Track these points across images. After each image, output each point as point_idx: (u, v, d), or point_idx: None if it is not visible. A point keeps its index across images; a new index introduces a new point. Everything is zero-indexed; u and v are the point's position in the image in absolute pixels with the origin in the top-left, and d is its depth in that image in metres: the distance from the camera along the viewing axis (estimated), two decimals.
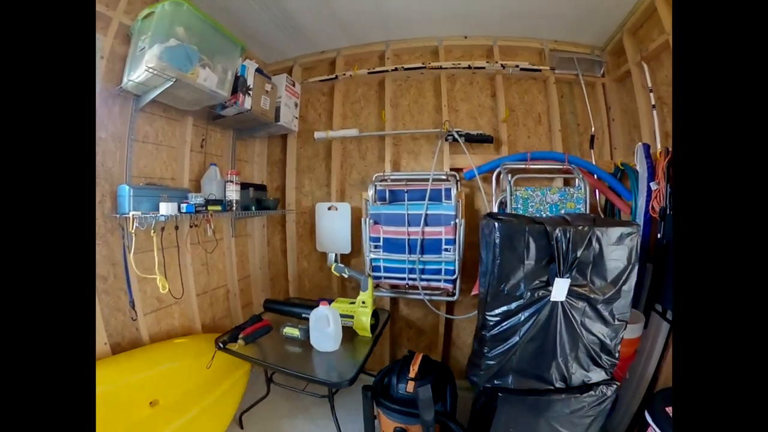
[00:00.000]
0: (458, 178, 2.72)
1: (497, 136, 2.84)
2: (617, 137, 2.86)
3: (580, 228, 1.65)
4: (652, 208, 2.26)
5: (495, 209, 2.66)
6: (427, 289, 2.74)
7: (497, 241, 1.67)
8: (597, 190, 2.71)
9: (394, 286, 2.88)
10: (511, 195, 2.54)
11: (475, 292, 2.63)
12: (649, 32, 2.45)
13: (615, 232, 1.68)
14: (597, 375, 1.85)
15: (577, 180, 2.56)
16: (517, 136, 2.92)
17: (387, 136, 2.98)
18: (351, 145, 3.17)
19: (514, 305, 1.70)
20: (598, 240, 1.66)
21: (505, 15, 2.67)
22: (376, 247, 2.74)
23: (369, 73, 2.96)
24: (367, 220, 2.75)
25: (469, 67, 2.84)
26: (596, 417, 1.84)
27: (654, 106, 2.39)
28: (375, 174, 2.88)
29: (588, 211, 2.52)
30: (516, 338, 1.74)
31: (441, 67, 2.87)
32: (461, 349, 3.05)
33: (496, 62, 2.82)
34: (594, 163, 2.73)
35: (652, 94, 2.40)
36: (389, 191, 2.77)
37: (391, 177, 2.86)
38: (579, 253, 1.67)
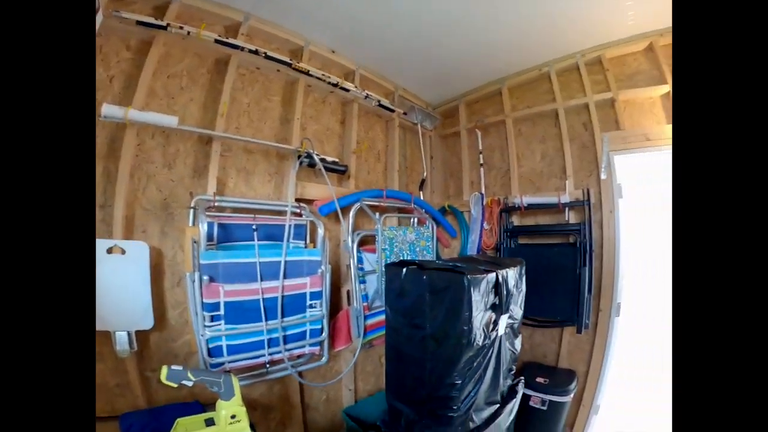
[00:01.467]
0: (313, 213, 2.30)
1: (348, 167, 2.67)
2: (436, 183, 3.42)
3: (508, 269, 1.92)
4: (485, 242, 2.97)
5: (353, 249, 2.45)
6: (290, 360, 2.12)
7: (470, 296, 1.62)
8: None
9: (246, 369, 2.00)
10: (381, 234, 2.47)
11: (342, 346, 2.38)
12: (484, 108, 3.19)
13: (515, 266, 2.05)
14: (510, 379, 2.17)
15: (428, 221, 2.83)
16: (359, 170, 2.84)
17: (217, 139, 2.07)
18: (153, 141, 1.96)
19: (472, 354, 1.71)
20: (513, 275, 1.97)
21: (374, 48, 2.64)
22: (214, 318, 1.81)
23: (216, 41, 2.03)
24: (198, 274, 1.77)
25: (336, 85, 2.52)
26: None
27: (482, 165, 3.08)
28: (196, 197, 1.94)
29: (433, 247, 2.84)
30: (478, 384, 1.78)
31: (308, 73, 2.41)
32: (317, 409, 2.55)
33: (362, 90, 2.69)
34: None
35: (481, 155, 3.08)
36: (219, 225, 1.91)
37: (228, 203, 2.03)
38: (513, 290, 1.95)
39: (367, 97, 2.73)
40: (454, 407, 1.68)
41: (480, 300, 1.68)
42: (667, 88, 2.56)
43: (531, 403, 2.53)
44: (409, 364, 1.84)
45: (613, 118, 2.71)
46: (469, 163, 3.18)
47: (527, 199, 2.81)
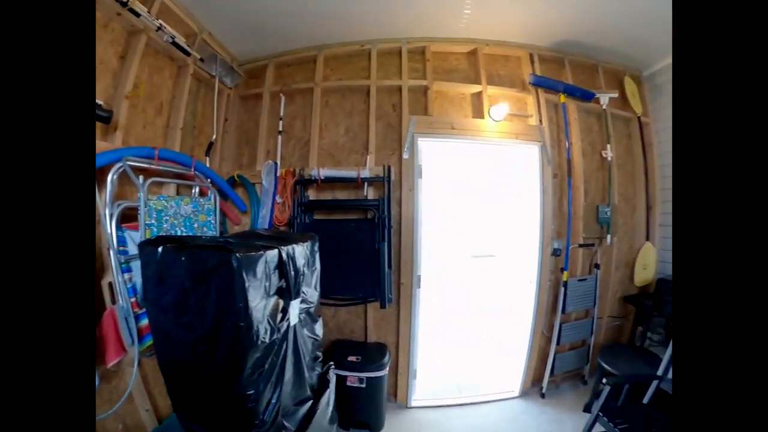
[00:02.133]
0: None
1: (115, 115, 2.05)
2: (228, 149, 2.93)
3: (295, 245, 1.69)
4: (276, 217, 2.70)
5: (112, 226, 1.80)
6: None
7: (243, 281, 1.31)
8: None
9: None
10: (145, 206, 1.95)
11: (115, 359, 1.76)
12: (295, 74, 2.88)
13: (304, 242, 1.85)
14: (318, 368, 2.00)
15: (210, 191, 2.38)
16: (133, 122, 2.22)
17: None
18: None
19: (260, 354, 1.43)
20: (303, 252, 1.78)
21: None
22: None
23: None
24: None
25: (125, 4, 1.82)
26: None
27: (281, 132, 2.79)
28: None
29: (216, 223, 2.41)
30: (278, 387, 1.53)
31: None
32: None
33: (156, 19, 2.05)
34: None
35: (281, 122, 2.77)
36: None
37: None
38: (303, 269, 1.75)
39: (160, 29, 2.13)
40: (257, 422, 1.41)
41: (259, 285, 1.39)
42: (479, 88, 2.89)
43: (348, 383, 2.46)
44: (188, 376, 1.46)
45: (423, 104, 2.83)
46: (267, 129, 2.86)
47: (325, 172, 2.67)
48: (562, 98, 3.03)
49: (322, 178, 2.65)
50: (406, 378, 2.83)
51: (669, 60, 3.46)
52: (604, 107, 3.25)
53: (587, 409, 2.81)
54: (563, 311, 2.98)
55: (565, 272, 2.98)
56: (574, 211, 3.07)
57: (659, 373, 2.26)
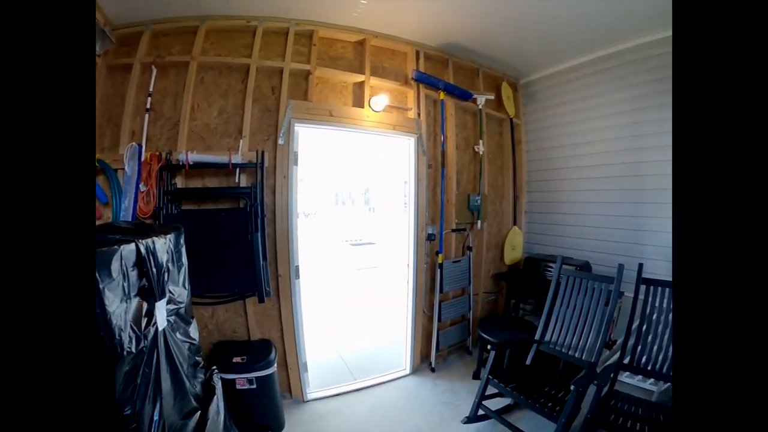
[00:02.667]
0: None
1: None
2: None
3: (156, 238, 1.58)
4: (140, 208, 2.42)
5: None
6: None
7: (98, 284, 1.17)
8: None
9: None
10: None
11: None
12: (172, 45, 2.64)
13: (167, 234, 1.72)
14: (201, 375, 1.83)
15: None
16: None
17: None
18: None
19: (129, 367, 1.28)
20: (166, 246, 1.65)
21: None
22: None
23: None
24: None
25: None
26: None
27: (149, 110, 2.52)
28: None
29: None
30: (158, 401, 1.40)
31: None
32: None
33: None
34: None
35: (150, 98, 2.51)
36: None
37: None
38: (167, 265, 1.63)
39: None
40: None
41: (116, 286, 1.25)
42: (363, 78, 2.95)
43: (238, 387, 2.32)
44: None
45: (304, 90, 2.79)
46: (134, 106, 2.54)
47: (194, 157, 2.47)
48: (442, 95, 3.26)
49: (191, 163, 2.45)
50: (297, 372, 2.80)
51: (543, 72, 3.94)
52: (480, 107, 3.57)
53: (476, 376, 3.11)
54: (441, 291, 3.25)
55: (440, 255, 3.24)
56: (447, 199, 3.34)
57: (537, 337, 2.65)
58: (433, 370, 3.28)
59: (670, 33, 2.80)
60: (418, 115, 3.20)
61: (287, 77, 2.72)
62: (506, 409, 2.62)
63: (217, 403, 1.87)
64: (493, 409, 2.45)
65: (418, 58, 3.26)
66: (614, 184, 3.37)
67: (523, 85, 4.19)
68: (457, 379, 3.14)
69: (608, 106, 3.40)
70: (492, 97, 3.64)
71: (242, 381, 2.32)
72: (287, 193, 2.66)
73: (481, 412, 2.45)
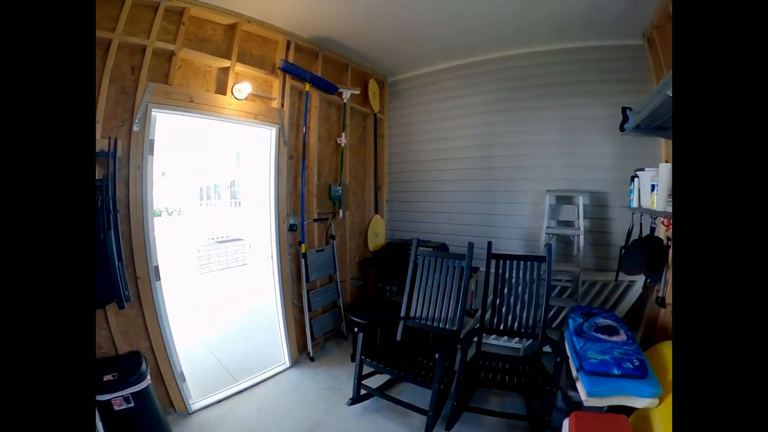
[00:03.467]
0: None
1: None
2: None
3: None
4: None
5: None
6: None
7: None
8: None
9: None
10: None
11: None
12: None
13: None
14: None
15: None
16: None
17: None
18: None
19: None
20: None
21: None
22: None
23: None
24: None
25: None
26: None
27: None
28: None
29: None
30: None
31: None
32: None
33: None
34: None
35: None
36: None
37: None
38: None
39: None
40: None
41: None
42: (228, 63, 2.88)
43: (116, 408, 2.10)
44: None
45: (166, 72, 2.60)
46: None
47: None
48: (307, 87, 3.38)
49: None
50: (175, 384, 2.62)
51: (411, 73, 4.40)
52: (345, 100, 3.82)
53: (354, 359, 3.23)
54: (308, 280, 3.40)
55: (302, 245, 3.40)
56: (309, 189, 3.51)
57: (402, 314, 2.99)
58: (312, 359, 3.44)
59: (531, 49, 3.54)
60: (282, 105, 3.27)
61: (149, 57, 2.48)
62: (388, 384, 2.94)
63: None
64: (375, 386, 2.75)
65: (288, 48, 3.30)
66: (468, 174, 4.02)
67: (390, 83, 4.59)
68: (337, 365, 3.35)
69: (464, 107, 4.02)
70: (357, 92, 3.91)
71: (118, 401, 2.12)
72: (141, 185, 2.45)
73: (363, 391, 2.70)
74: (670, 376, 1.94)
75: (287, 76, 3.30)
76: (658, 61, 2.93)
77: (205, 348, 3.91)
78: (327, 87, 3.57)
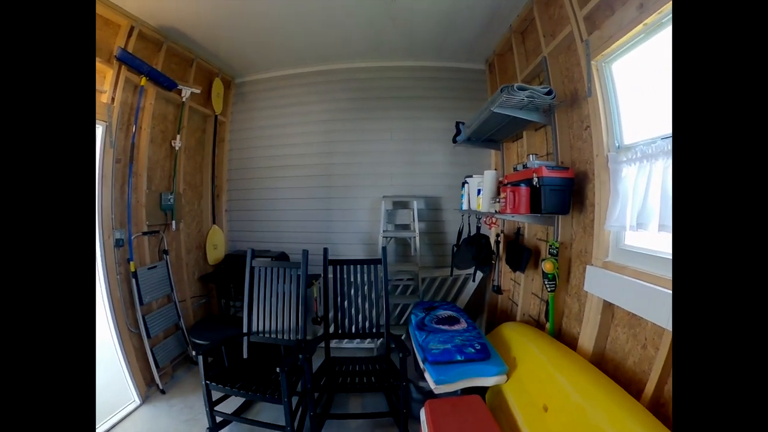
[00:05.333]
0: None
1: None
2: None
3: None
4: None
5: None
6: None
7: None
8: None
9: None
10: None
11: None
12: None
13: None
14: None
15: None
16: None
17: None
18: None
19: None
20: None
21: None
22: None
23: None
24: None
25: None
26: None
27: None
28: None
29: None
30: None
31: None
32: None
33: None
34: None
35: None
36: None
37: None
38: None
39: None
40: None
41: None
42: None
43: None
44: None
45: None
46: None
47: None
48: (143, 81, 2.98)
49: None
50: None
51: (259, 75, 4.28)
52: (184, 99, 3.47)
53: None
54: (141, 303, 2.97)
55: (131, 262, 2.95)
56: (137, 198, 3.09)
57: (244, 330, 2.81)
58: (163, 392, 3.01)
59: (381, 63, 3.92)
60: (113, 99, 2.78)
61: None
62: (246, 405, 2.80)
63: None
64: (232, 410, 2.59)
65: (130, 35, 2.86)
66: (308, 182, 4.13)
67: (237, 84, 4.36)
68: (191, 393, 3.02)
69: (309, 114, 4.13)
70: (199, 91, 3.60)
71: None
72: None
73: (219, 418, 2.49)
74: (513, 353, 2.32)
75: (123, 66, 2.82)
76: (495, 83, 3.66)
77: None
78: (166, 83, 3.22)
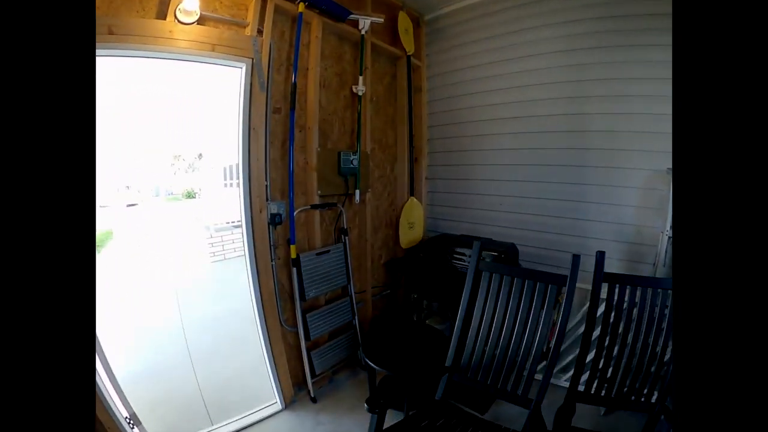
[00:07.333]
0: None
1: None
2: None
3: None
4: None
5: None
6: None
7: None
8: None
9: None
10: None
11: None
12: None
13: None
14: None
15: None
16: None
17: None
18: None
19: None
20: None
21: None
22: None
23: None
24: None
25: None
26: None
27: None
28: None
29: None
30: None
31: None
32: None
33: None
34: None
35: None
36: None
37: None
38: None
39: None
40: None
41: None
42: None
43: None
44: None
45: None
46: None
47: None
48: (302, 7, 2.29)
49: None
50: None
51: (455, 5, 3.15)
52: (362, 32, 2.66)
53: (371, 403, 1.73)
54: (303, 298, 2.37)
55: (292, 246, 2.32)
56: (305, 159, 2.43)
57: (448, 363, 1.76)
58: (314, 400, 2.45)
59: None
60: (259, 32, 2.15)
61: None
62: None
63: None
64: None
65: None
66: (547, 141, 2.77)
67: (428, 20, 3.36)
68: (347, 412, 2.37)
69: (537, 43, 2.75)
70: (381, 19, 2.72)
71: None
72: None
73: None
74: None
75: None
76: None
77: (188, 363, 3.07)
78: (334, 9, 2.46)
